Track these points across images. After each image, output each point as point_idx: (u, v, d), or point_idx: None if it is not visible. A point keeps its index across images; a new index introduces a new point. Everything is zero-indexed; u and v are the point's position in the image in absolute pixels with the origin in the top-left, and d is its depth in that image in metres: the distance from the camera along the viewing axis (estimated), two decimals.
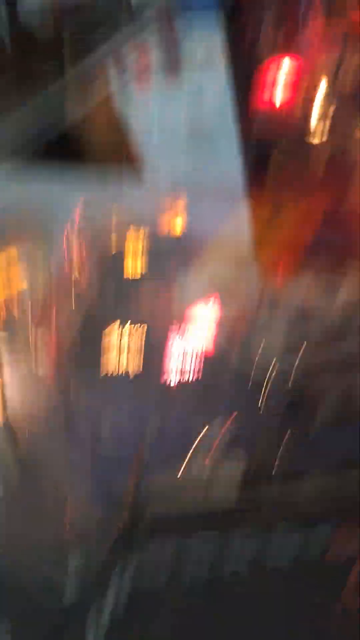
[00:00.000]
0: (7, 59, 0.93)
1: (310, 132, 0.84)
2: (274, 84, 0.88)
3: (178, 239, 0.73)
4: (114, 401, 0.55)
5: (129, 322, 0.59)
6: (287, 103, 0.87)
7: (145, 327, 0.59)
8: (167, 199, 0.76)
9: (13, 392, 0.57)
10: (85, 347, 0.60)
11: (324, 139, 0.82)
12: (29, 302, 0.62)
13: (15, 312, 0.62)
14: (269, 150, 0.81)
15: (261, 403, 0.51)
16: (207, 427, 0.51)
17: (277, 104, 0.87)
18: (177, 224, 0.74)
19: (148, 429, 0.52)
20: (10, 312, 0.62)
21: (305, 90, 0.87)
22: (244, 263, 0.67)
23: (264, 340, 0.56)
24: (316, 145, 0.82)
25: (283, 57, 0.89)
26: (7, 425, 0.54)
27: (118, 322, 0.59)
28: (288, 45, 0.92)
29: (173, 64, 1.02)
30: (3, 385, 0.56)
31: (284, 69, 0.89)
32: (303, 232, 0.70)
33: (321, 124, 0.84)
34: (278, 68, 0.88)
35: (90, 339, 0.60)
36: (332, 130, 0.82)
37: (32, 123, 0.83)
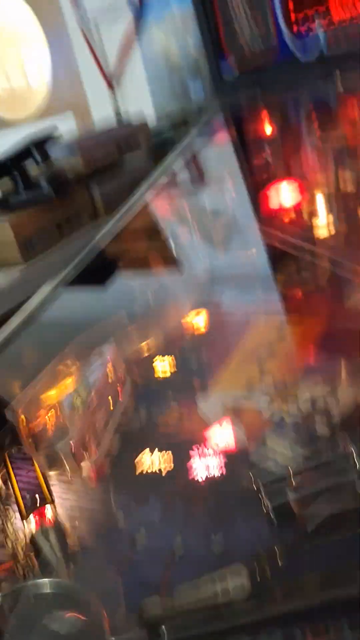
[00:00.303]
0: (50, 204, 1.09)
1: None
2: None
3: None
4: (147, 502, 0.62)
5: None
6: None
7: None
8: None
9: (61, 493, 0.64)
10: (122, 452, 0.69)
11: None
12: (72, 410, 0.71)
13: (61, 419, 0.70)
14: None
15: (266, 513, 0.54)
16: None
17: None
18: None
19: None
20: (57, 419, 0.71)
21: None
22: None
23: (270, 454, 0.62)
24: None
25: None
26: (58, 524, 0.59)
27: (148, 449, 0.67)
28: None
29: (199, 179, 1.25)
30: (50, 486, 0.63)
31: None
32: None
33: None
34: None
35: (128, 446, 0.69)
36: None
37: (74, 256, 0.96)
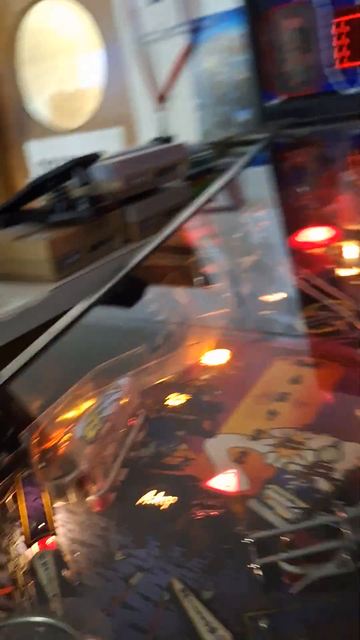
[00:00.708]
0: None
1: None
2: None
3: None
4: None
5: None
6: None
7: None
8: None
9: (66, 523, 0.66)
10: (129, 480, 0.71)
11: None
12: (84, 439, 0.74)
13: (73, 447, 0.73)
14: None
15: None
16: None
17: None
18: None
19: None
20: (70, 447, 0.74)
21: None
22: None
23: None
24: None
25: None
26: (58, 556, 0.61)
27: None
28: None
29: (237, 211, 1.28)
30: (55, 516, 0.66)
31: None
32: None
33: None
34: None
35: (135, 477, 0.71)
36: None
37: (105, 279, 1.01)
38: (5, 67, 2.30)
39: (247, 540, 0.56)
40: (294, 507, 0.62)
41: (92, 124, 2.14)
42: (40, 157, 2.29)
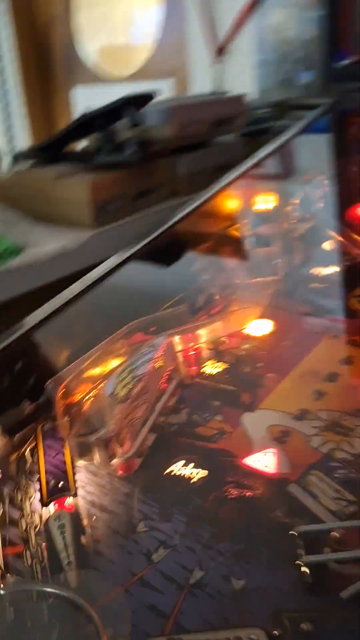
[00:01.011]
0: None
1: None
2: None
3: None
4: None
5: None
6: None
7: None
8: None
9: (86, 485, 0.60)
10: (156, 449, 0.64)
11: None
12: (114, 397, 0.68)
13: (101, 404, 0.67)
14: None
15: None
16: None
17: None
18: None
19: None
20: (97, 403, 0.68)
21: None
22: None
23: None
24: None
25: None
26: (76, 519, 0.56)
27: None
28: None
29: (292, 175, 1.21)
30: (74, 469, 0.61)
31: None
32: None
33: None
34: None
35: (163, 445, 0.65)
36: None
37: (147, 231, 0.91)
38: (60, 9, 2.19)
39: (293, 532, 0.50)
40: (341, 499, 0.55)
41: (143, 74, 2.03)
42: (87, 104, 2.20)
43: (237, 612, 0.47)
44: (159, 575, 0.51)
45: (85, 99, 2.21)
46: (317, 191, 1.15)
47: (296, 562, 0.48)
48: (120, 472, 0.61)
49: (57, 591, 0.46)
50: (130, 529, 0.55)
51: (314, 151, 1.32)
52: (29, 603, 0.46)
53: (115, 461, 0.60)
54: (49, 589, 0.47)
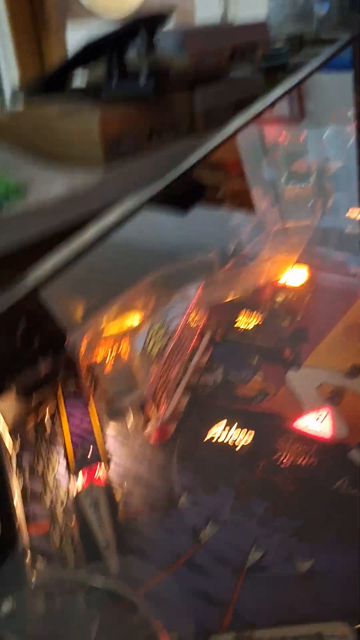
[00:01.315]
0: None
1: None
2: None
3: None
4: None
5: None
6: None
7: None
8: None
9: (116, 449, 0.53)
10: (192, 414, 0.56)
11: None
12: (145, 355, 0.61)
13: (131, 363, 0.60)
14: None
15: None
16: None
17: None
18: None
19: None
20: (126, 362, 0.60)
21: None
22: None
23: None
24: None
25: None
26: (110, 491, 0.48)
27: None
28: None
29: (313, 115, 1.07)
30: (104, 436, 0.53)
31: None
32: None
33: None
34: None
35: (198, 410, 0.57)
36: None
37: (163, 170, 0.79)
38: None
39: None
40: None
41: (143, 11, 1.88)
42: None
43: (309, 600, 0.40)
44: (209, 557, 0.45)
45: (80, 38, 2.05)
46: (345, 130, 1.05)
47: None
48: (155, 439, 0.53)
49: (94, 579, 0.39)
50: (171, 503, 0.49)
51: (337, 89, 1.21)
52: (64, 594, 0.39)
53: (150, 426, 0.53)
54: (84, 578, 0.40)
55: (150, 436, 0.54)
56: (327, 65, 1.26)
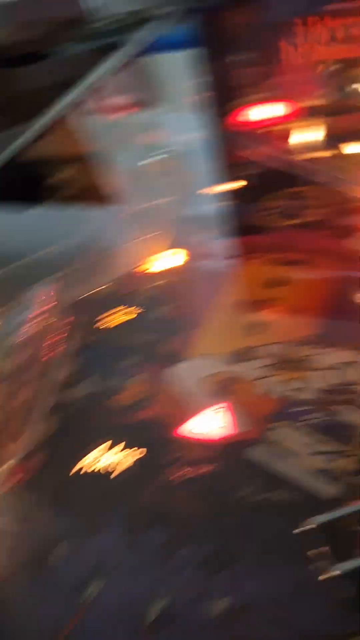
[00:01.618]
0: None
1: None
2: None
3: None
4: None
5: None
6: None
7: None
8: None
9: None
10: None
11: None
12: None
13: None
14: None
15: None
16: None
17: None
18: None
19: None
20: None
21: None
22: None
23: None
24: None
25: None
26: None
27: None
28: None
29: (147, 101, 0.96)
30: None
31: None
32: None
33: None
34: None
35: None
36: None
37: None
38: None
39: (306, 527, 0.35)
40: (331, 452, 0.41)
41: None
42: None
43: None
44: (99, 621, 0.34)
45: None
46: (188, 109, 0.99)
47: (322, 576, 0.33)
48: (16, 479, 0.42)
49: None
50: (44, 559, 0.38)
51: (179, 68, 1.15)
52: None
53: (6, 466, 0.41)
54: None
55: (10, 477, 0.42)
56: (169, 44, 1.19)
